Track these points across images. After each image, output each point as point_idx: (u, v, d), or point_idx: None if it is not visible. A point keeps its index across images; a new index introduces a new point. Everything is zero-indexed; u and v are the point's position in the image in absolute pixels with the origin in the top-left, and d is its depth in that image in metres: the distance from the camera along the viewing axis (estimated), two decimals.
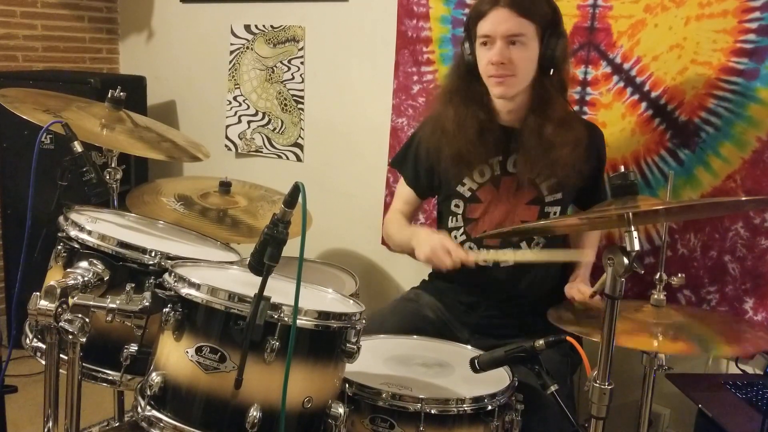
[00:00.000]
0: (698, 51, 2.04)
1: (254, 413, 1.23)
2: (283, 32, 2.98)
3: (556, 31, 1.78)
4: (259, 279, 1.19)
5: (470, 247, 1.95)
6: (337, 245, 2.95)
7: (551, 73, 1.80)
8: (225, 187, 2.17)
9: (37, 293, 1.30)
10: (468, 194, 1.94)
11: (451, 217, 1.99)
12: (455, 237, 1.98)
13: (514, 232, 1.85)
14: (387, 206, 2.76)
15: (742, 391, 1.78)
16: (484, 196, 1.93)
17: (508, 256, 1.82)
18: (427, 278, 2.14)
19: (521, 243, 1.92)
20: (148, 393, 1.28)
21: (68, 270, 1.43)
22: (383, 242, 2.81)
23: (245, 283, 1.34)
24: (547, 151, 1.81)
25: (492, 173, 1.91)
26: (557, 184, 1.88)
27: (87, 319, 1.33)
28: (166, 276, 1.34)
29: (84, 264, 1.46)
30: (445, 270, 1.76)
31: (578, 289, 1.83)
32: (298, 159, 3.03)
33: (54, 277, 1.45)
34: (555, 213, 1.90)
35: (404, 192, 2.08)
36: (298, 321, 1.23)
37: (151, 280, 1.44)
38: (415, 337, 1.84)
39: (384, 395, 1.47)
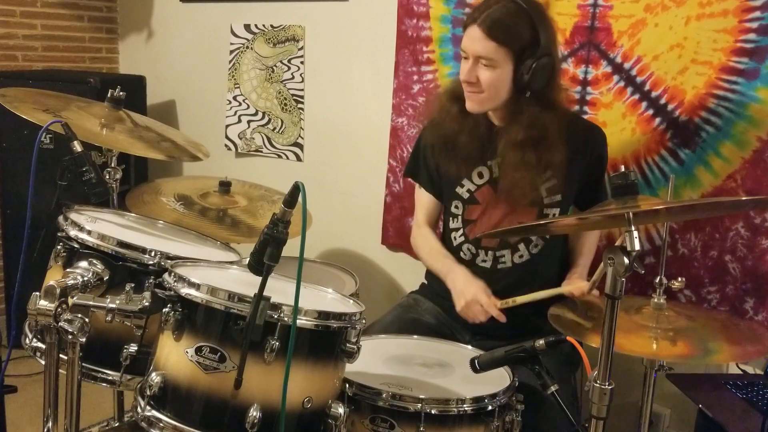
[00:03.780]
0: (699, 50, 2.04)
1: (254, 413, 1.23)
2: (283, 32, 2.98)
3: (534, 53, 1.73)
4: (258, 279, 1.19)
5: (469, 250, 1.96)
6: (337, 245, 2.95)
7: (527, 94, 1.78)
8: (225, 186, 2.16)
9: (37, 293, 1.30)
10: (466, 196, 1.94)
11: (451, 219, 1.99)
12: (455, 238, 1.98)
13: (512, 232, 1.85)
14: (387, 206, 2.76)
15: (743, 391, 1.78)
16: (482, 198, 1.93)
17: (527, 298, 1.81)
18: (425, 281, 2.14)
19: (519, 244, 1.91)
20: (148, 393, 1.28)
21: (68, 270, 1.43)
22: (383, 242, 2.81)
23: (245, 283, 1.34)
24: (548, 154, 1.80)
25: (490, 175, 1.91)
26: (556, 186, 1.88)
27: (87, 319, 1.33)
28: (165, 276, 1.34)
29: (84, 264, 1.45)
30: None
31: (576, 285, 1.83)
32: (298, 159, 3.03)
33: (54, 277, 1.45)
34: (554, 215, 1.90)
35: (424, 200, 2.06)
36: (298, 321, 1.23)
37: (151, 280, 1.44)
38: (415, 337, 1.84)
39: (384, 395, 1.47)
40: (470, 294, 1.81)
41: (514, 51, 1.74)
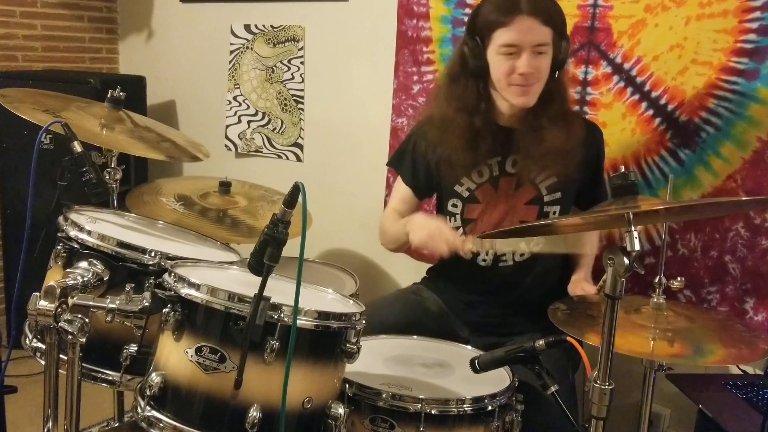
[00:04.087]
0: (699, 51, 2.04)
1: (254, 413, 1.23)
2: (283, 32, 2.98)
3: (565, 34, 1.79)
4: (258, 279, 1.19)
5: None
6: (337, 245, 2.94)
7: (556, 75, 1.80)
8: (225, 187, 2.16)
9: (37, 293, 1.30)
10: (466, 194, 1.94)
11: (449, 218, 1.99)
12: None
13: (513, 232, 1.85)
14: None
15: (742, 391, 1.78)
16: (483, 197, 1.93)
17: (506, 248, 1.80)
18: (426, 275, 2.14)
19: (520, 243, 1.91)
20: (148, 393, 1.28)
21: (68, 270, 1.43)
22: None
23: (245, 283, 1.34)
24: (546, 151, 1.81)
25: (491, 174, 1.91)
26: (556, 183, 1.88)
27: (86, 320, 1.32)
28: (165, 276, 1.34)
29: (84, 264, 1.45)
30: (438, 258, 1.74)
31: (582, 287, 1.83)
32: (298, 159, 3.03)
33: (54, 277, 1.45)
34: (554, 213, 1.90)
35: (402, 191, 2.06)
36: (298, 321, 1.22)
37: (151, 280, 1.44)
38: (415, 337, 1.84)
39: (384, 395, 1.47)
40: (433, 224, 1.78)
41: (557, 32, 1.75)
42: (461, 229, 1.97)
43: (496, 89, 1.81)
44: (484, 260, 1.94)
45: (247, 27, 3.07)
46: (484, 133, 1.85)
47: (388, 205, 2.13)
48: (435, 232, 1.75)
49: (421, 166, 1.99)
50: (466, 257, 1.76)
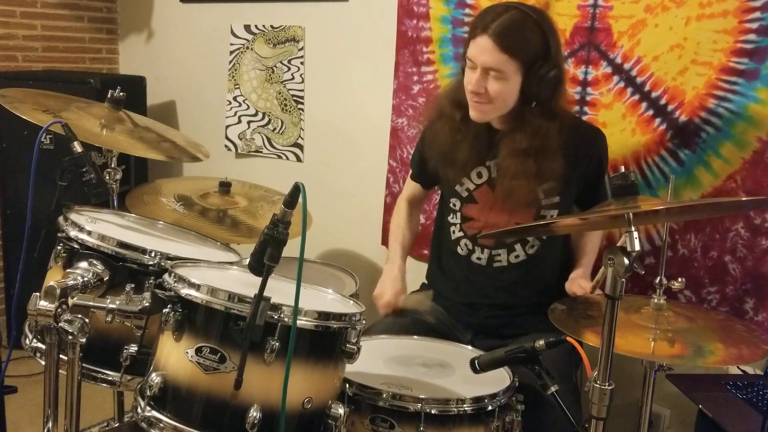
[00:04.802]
0: (698, 51, 2.04)
1: (254, 414, 1.23)
2: (283, 32, 2.98)
3: (543, 65, 1.72)
4: (259, 279, 1.19)
5: (466, 245, 1.96)
6: (337, 245, 2.95)
7: (533, 104, 1.77)
8: (225, 187, 2.17)
9: (37, 294, 1.30)
10: (465, 194, 1.94)
11: (450, 214, 2.00)
12: (453, 233, 1.99)
13: (513, 232, 1.85)
14: (387, 206, 2.76)
15: (742, 392, 1.78)
16: (480, 198, 1.93)
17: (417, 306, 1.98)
18: (426, 281, 2.14)
19: (515, 244, 1.92)
20: (148, 393, 1.28)
21: (68, 270, 1.43)
22: (383, 242, 2.80)
23: (245, 283, 1.34)
24: (544, 157, 1.80)
25: (489, 175, 1.91)
26: (554, 188, 1.88)
27: (87, 320, 1.32)
28: (165, 276, 1.34)
29: (84, 264, 1.45)
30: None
31: (579, 284, 1.83)
32: (298, 159, 3.03)
33: (54, 278, 1.45)
34: (551, 216, 1.90)
35: (409, 184, 2.19)
36: (298, 321, 1.23)
37: (151, 281, 1.44)
38: (415, 337, 1.84)
39: (384, 395, 1.47)
40: (381, 289, 1.97)
41: (524, 62, 1.71)
42: (460, 226, 1.97)
43: None
44: (479, 258, 1.94)
45: (247, 27, 3.07)
46: (482, 136, 1.87)
47: (401, 195, 2.23)
48: (378, 294, 1.97)
49: (428, 163, 2.01)
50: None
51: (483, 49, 1.71)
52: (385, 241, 2.79)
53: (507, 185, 1.83)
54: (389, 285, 1.97)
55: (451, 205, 1.99)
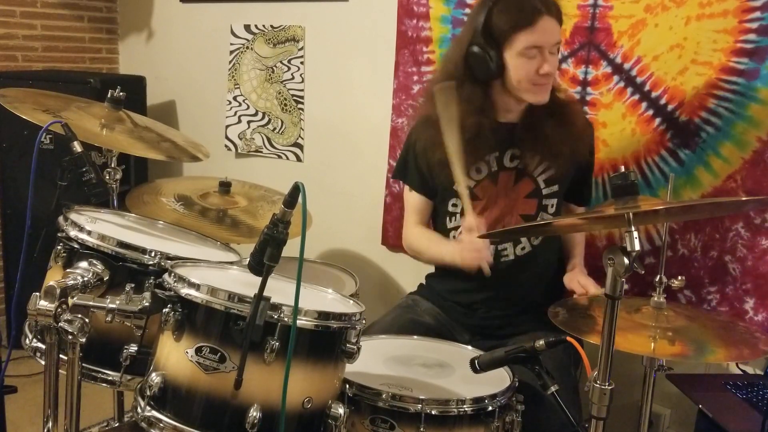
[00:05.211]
0: (698, 51, 2.04)
1: (254, 413, 1.23)
2: (283, 32, 2.98)
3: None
4: (258, 279, 1.19)
5: None
6: (337, 245, 2.94)
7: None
8: (225, 187, 2.16)
9: (37, 293, 1.30)
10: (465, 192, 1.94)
11: (449, 217, 1.99)
12: (454, 237, 1.98)
13: (513, 232, 1.85)
14: (387, 206, 2.76)
15: (742, 391, 1.78)
16: (482, 193, 1.93)
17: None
18: (424, 282, 2.14)
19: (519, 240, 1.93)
20: (148, 393, 1.28)
21: (68, 270, 1.43)
22: (383, 242, 2.81)
23: (245, 283, 1.34)
24: (548, 143, 1.84)
25: (489, 169, 1.91)
26: (553, 176, 1.89)
27: (86, 320, 1.32)
28: (165, 276, 1.34)
29: (84, 264, 1.45)
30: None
31: (578, 281, 1.83)
32: (298, 159, 3.03)
33: (54, 277, 1.45)
34: (552, 205, 1.91)
35: (414, 201, 2.04)
36: (298, 321, 1.22)
37: (151, 281, 1.44)
38: (415, 337, 1.84)
39: (384, 396, 1.46)
40: (465, 243, 1.81)
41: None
42: (461, 228, 1.97)
43: (509, 89, 1.81)
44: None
45: (247, 27, 3.07)
46: (483, 131, 1.85)
47: (406, 224, 2.09)
48: (466, 245, 1.79)
49: (424, 170, 1.98)
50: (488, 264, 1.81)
51: (552, 29, 1.77)
52: (385, 241, 2.79)
53: (552, 149, 1.85)
54: (471, 244, 1.79)
55: (450, 207, 1.97)
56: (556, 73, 1.87)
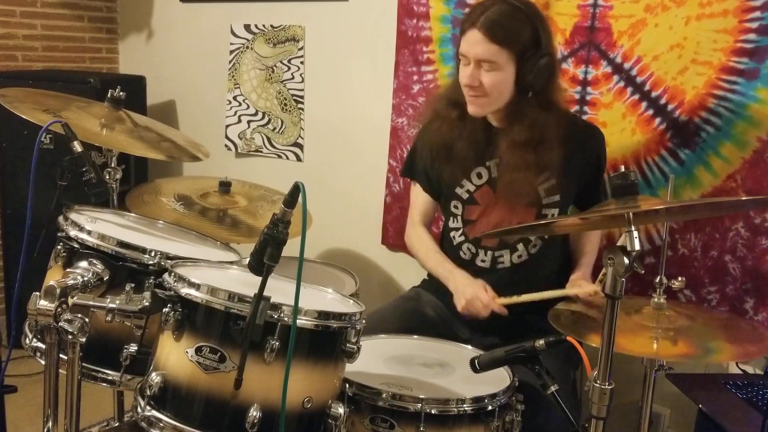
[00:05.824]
0: (699, 51, 2.04)
1: (254, 413, 1.23)
2: (283, 32, 2.98)
3: (535, 53, 1.74)
4: (258, 279, 1.19)
5: (469, 249, 1.96)
6: (337, 245, 2.94)
7: (529, 94, 1.78)
8: (225, 187, 2.16)
9: (37, 293, 1.30)
10: (465, 196, 1.94)
11: (451, 218, 2.00)
12: (454, 237, 1.99)
13: (513, 231, 1.85)
14: (387, 206, 2.76)
15: (743, 391, 1.78)
16: (482, 199, 1.93)
17: (531, 297, 1.80)
18: (427, 277, 2.14)
19: (518, 244, 1.92)
20: (148, 393, 1.28)
21: (68, 270, 1.43)
22: (383, 242, 2.81)
23: (245, 283, 1.34)
24: (520, 164, 1.81)
25: (489, 175, 1.91)
26: (554, 187, 1.88)
27: (86, 319, 1.33)
28: (165, 276, 1.34)
29: (84, 264, 1.45)
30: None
31: (579, 284, 1.83)
32: (298, 159, 3.03)
33: (54, 277, 1.45)
34: (552, 215, 1.90)
35: (420, 200, 2.07)
36: (298, 321, 1.22)
37: (151, 280, 1.44)
38: (415, 337, 1.84)
39: (384, 395, 1.46)
40: (470, 293, 1.82)
41: (516, 52, 1.73)
42: (461, 230, 1.97)
43: None
44: (483, 260, 1.94)
45: (247, 27, 3.07)
46: (481, 136, 1.87)
47: (410, 218, 2.11)
48: (472, 299, 1.81)
49: (430, 170, 2.01)
50: (501, 314, 1.81)
51: (473, 42, 1.73)
52: (385, 241, 2.80)
53: (508, 178, 1.83)
54: (471, 288, 1.83)
55: (452, 209, 1.98)
56: (503, 93, 1.77)
